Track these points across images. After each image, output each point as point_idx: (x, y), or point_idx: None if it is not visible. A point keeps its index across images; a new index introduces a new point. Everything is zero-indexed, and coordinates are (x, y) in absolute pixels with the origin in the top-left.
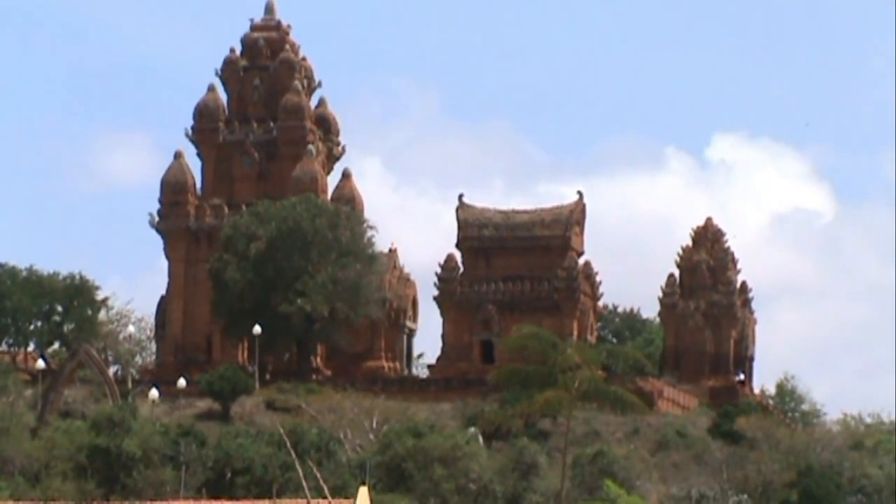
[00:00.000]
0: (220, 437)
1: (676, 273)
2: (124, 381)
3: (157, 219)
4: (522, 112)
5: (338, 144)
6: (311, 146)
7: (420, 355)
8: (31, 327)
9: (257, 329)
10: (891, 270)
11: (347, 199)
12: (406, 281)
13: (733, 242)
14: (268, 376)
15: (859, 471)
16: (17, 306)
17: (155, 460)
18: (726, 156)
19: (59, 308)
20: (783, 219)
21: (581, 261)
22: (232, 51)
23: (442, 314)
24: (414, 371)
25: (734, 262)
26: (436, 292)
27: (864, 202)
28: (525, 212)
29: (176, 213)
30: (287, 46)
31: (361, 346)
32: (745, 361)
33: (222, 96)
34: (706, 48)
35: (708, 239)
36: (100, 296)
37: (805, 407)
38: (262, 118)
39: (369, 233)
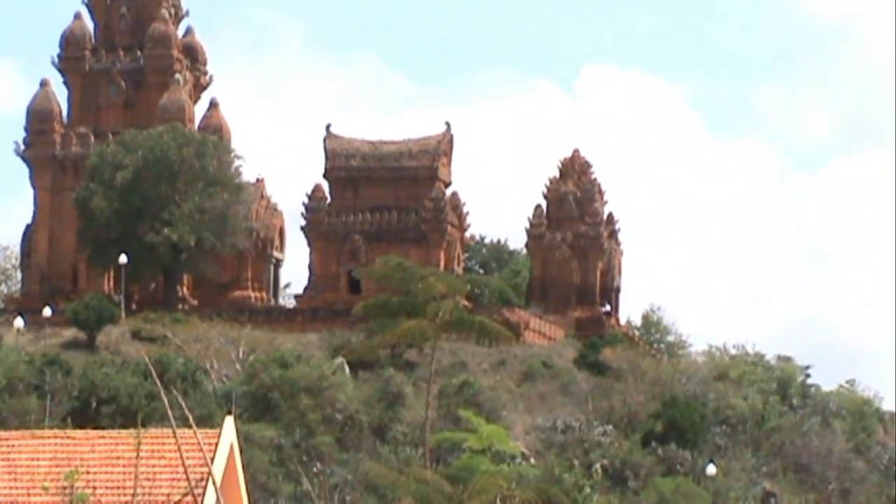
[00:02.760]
0: (85, 367)
1: (544, 204)
2: None
3: (22, 147)
4: (390, 43)
5: (205, 74)
6: (178, 75)
7: (287, 285)
8: None
9: (123, 258)
10: (760, 203)
11: (214, 128)
12: (273, 211)
13: (600, 174)
14: (134, 306)
15: (724, 401)
16: None
17: (20, 389)
18: (596, 88)
19: None
20: (652, 150)
21: (448, 192)
22: None
23: (309, 244)
24: (280, 301)
25: (601, 193)
26: (303, 222)
27: (735, 134)
28: (393, 142)
29: (42, 141)
30: None
31: (228, 276)
32: (611, 293)
33: (89, 24)
34: None
35: (575, 171)
36: None
37: (671, 338)
38: (129, 47)
39: (236, 162)
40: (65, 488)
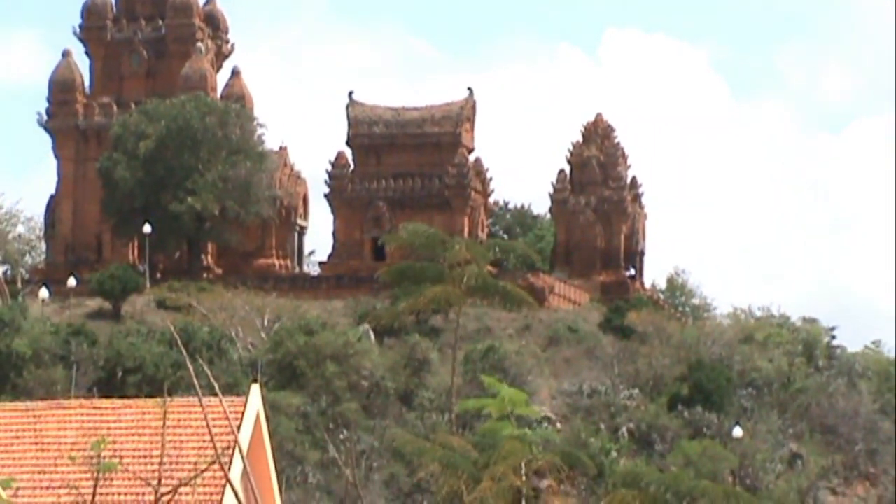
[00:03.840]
0: (111, 337)
1: (567, 169)
2: (14, 281)
3: (45, 118)
4: (412, 9)
5: (227, 42)
6: (199, 44)
7: (311, 253)
8: None
9: (147, 228)
10: (784, 165)
11: (237, 97)
12: (297, 178)
13: (623, 138)
14: (158, 275)
15: (749, 364)
16: None
17: (45, 360)
18: (619, 52)
19: None
20: (676, 114)
21: (471, 157)
22: None
23: (333, 212)
24: (305, 269)
25: (624, 157)
26: (327, 190)
27: (758, 96)
28: (415, 109)
29: (64, 111)
30: None
31: (252, 245)
32: (635, 256)
33: None
34: None
35: (598, 135)
36: None
37: (695, 301)
38: (151, 16)
39: (259, 131)
40: (92, 458)
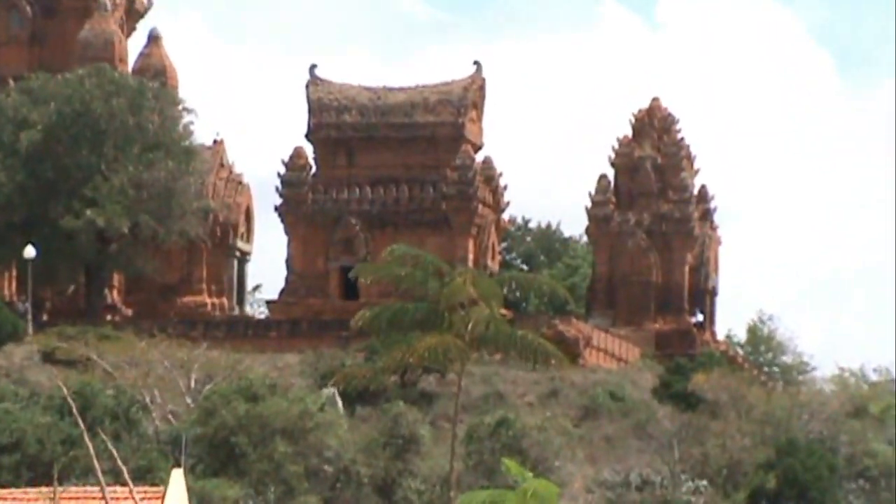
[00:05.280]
0: None
1: (611, 174)
2: None
3: None
4: None
5: None
6: None
7: (256, 288)
8: None
9: (30, 251)
10: None
11: (156, 71)
12: (237, 185)
13: (689, 133)
14: (45, 317)
15: (861, 446)
16: None
17: None
18: (684, 15)
19: None
20: (762, 100)
21: (479, 157)
22: None
23: (287, 231)
24: (248, 310)
25: (690, 158)
26: (278, 201)
27: (874, 76)
28: (401, 90)
29: None
30: None
31: (175, 276)
32: (704, 296)
33: None
34: None
35: (655, 128)
36: None
37: (787, 359)
38: None
39: (186, 118)
40: None
